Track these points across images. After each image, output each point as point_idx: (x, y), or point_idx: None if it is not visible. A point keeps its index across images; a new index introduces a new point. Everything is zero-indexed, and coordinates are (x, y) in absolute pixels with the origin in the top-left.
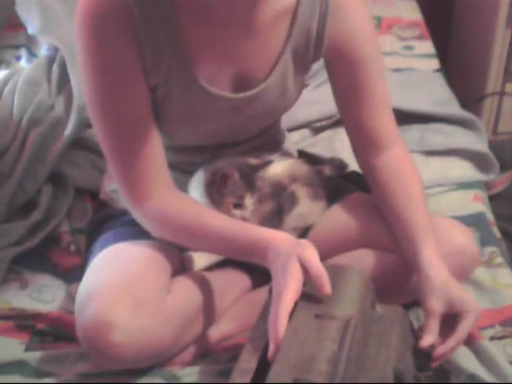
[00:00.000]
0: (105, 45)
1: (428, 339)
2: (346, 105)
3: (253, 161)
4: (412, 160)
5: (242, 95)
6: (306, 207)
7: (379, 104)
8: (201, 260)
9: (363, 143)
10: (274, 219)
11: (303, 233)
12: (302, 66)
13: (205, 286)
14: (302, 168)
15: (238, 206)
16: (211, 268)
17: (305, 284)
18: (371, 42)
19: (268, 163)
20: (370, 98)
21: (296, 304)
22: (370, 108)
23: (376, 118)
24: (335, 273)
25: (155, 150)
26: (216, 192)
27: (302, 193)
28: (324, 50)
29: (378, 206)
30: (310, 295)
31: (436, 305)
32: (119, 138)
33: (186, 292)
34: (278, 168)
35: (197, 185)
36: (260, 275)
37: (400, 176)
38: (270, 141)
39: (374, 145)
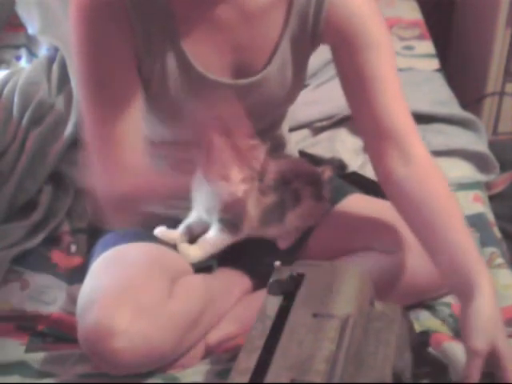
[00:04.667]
0: (96, 29)
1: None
2: (353, 98)
3: None
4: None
5: (241, 82)
6: (309, 207)
7: (388, 93)
8: (197, 252)
9: (379, 143)
10: (276, 213)
11: (305, 234)
12: (300, 54)
13: (205, 290)
14: (306, 167)
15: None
16: (210, 268)
17: (305, 283)
18: (374, 26)
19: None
20: (376, 86)
21: (294, 303)
22: (378, 98)
23: (386, 108)
24: (333, 271)
25: (136, 141)
26: None
27: (305, 192)
28: (323, 36)
29: (406, 222)
30: (307, 294)
31: (482, 345)
32: (105, 124)
33: (186, 296)
34: (282, 163)
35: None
36: (260, 276)
37: (437, 195)
38: (269, 143)
39: (391, 143)
